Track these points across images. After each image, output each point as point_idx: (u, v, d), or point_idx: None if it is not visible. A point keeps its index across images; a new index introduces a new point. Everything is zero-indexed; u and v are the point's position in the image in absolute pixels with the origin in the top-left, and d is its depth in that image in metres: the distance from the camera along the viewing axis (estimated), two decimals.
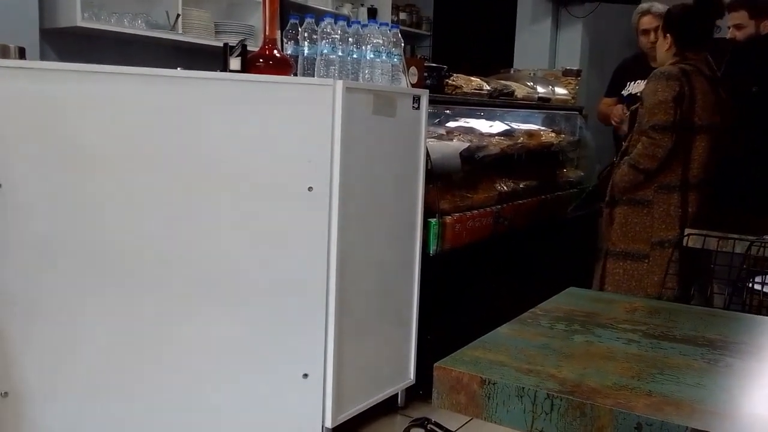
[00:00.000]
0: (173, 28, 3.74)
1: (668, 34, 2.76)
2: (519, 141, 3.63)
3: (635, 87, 3.80)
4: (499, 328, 1.30)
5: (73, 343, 1.99)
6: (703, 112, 2.62)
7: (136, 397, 2.09)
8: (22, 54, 2.41)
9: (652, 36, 3.67)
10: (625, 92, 3.88)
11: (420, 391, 2.77)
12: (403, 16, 6.01)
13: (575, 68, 4.61)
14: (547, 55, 5.46)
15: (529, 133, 3.83)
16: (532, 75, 4.36)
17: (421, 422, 1.29)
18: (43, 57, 3.43)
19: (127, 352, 2.06)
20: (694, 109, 2.61)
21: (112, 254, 2.00)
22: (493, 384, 1.03)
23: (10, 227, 1.89)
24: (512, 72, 4.56)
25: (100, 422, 2.05)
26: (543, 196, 3.74)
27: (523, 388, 1.01)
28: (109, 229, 2.00)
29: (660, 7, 3.63)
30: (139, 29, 3.64)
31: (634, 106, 2.96)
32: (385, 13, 5.39)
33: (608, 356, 1.16)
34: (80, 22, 3.34)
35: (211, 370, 2.17)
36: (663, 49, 2.80)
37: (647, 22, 3.78)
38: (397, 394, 2.70)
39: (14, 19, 3.23)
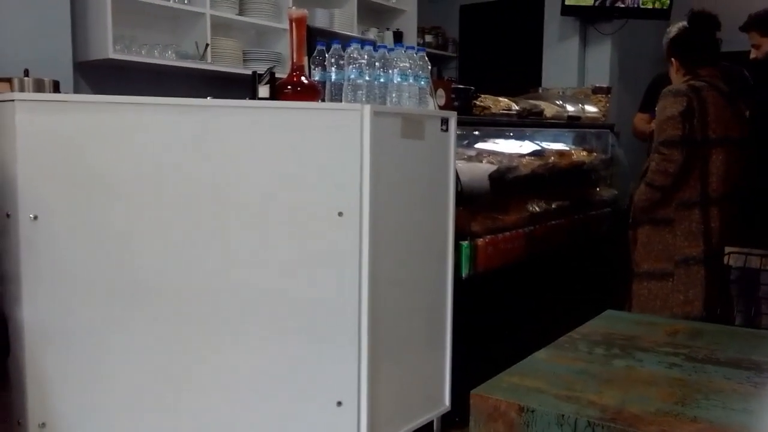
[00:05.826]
0: (203, 57, 3.80)
1: (673, 59, 2.80)
2: (549, 161, 3.59)
3: None
4: (535, 353, 1.27)
5: (105, 374, 2.00)
6: (716, 125, 2.58)
7: (170, 427, 2.08)
8: (56, 87, 2.46)
9: None
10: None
11: (456, 418, 2.72)
12: (428, 38, 6.02)
13: (605, 85, 4.57)
14: (576, 74, 5.42)
15: (560, 153, 3.79)
16: (561, 94, 4.33)
17: None
18: (77, 90, 3.51)
19: (159, 381, 2.06)
20: (706, 122, 2.57)
21: (145, 284, 2.01)
22: (532, 411, 1.00)
23: (46, 260, 1.91)
24: (540, 91, 4.54)
25: None
26: (576, 216, 3.69)
27: (563, 415, 0.97)
28: (141, 259, 2.01)
29: None
30: (170, 60, 3.71)
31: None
32: (411, 37, 5.41)
33: (650, 381, 1.12)
34: (112, 54, 3.41)
35: (243, 399, 2.15)
36: (674, 73, 2.83)
37: None
38: (432, 421, 2.66)
39: (48, 54, 3.31)
